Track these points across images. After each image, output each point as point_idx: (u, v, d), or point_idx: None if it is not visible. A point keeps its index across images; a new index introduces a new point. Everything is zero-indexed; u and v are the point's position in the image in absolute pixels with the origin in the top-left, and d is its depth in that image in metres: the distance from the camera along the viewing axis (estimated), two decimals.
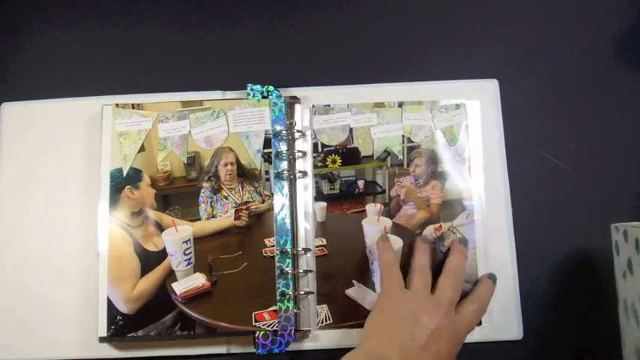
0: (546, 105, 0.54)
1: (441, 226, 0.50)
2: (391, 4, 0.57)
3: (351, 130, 0.52)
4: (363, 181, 0.52)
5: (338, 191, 0.52)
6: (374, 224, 0.50)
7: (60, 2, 0.57)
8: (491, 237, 0.51)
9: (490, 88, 0.54)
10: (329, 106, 0.52)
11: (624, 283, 0.44)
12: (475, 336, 0.48)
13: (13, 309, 0.50)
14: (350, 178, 0.52)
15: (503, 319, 0.49)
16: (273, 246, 0.49)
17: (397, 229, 0.50)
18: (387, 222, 0.50)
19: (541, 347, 0.50)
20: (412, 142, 0.52)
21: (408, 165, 0.52)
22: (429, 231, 0.50)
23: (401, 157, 0.52)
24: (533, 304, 0.50)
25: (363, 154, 0.52)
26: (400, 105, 0.52)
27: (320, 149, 0.52)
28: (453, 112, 0.52)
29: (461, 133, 0.51)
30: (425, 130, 0.52)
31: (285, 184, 0.50)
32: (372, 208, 0.51)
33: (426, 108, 0.52)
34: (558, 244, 0.51)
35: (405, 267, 0.47)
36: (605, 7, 0.56)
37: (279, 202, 0.50)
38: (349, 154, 0.52)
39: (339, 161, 0.52)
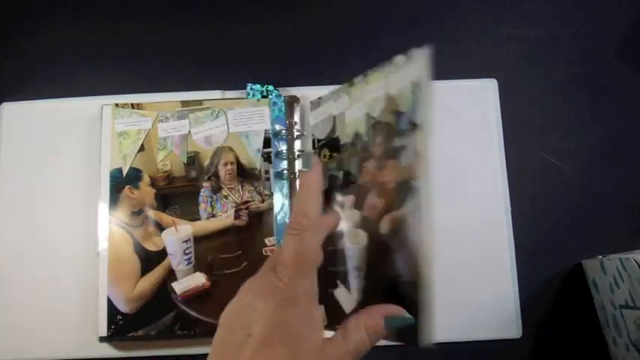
0: (546, 105, 0.54)
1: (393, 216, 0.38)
2: (391, 4, 0.57)
3: (334, 118, 0.46)
4: (342, 172, 0.45)
5: (327, 186, 0.45)
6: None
7: (60, 2, 0.57)
8: (490, 236, 0.51)
9: (490, 88, 0.54)
10: (321, 98, 0.47)
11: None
12: (474, 334, 0.49)
13: (13, 308, 0.50)
14: (333, 171, 0.46)
15: (502, 317, 0.50)
16: (273, 245, 0.49)
17: (363, 222, 0.41)
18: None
19: (540, 346, 0.50)
20: (373, 117, 0.42)
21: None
22: (385, 224, 0.38)
23: (366, 138, 0.42)
24: (532, 302, 0.50)
25: (342, 141, 0.45)
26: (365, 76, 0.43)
27: (315, 145, 0.50)
28: (404, 69, 0.41)
29: (413, 94, 0.39)
30: (380, 100, 0.41)
31: (285, 183, 0.50)
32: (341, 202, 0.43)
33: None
34: (557, 243, 0.51)
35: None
36: (605, 7, 0.56)
37: (279, 201, 0.50)
38: (331, 145, 0.46)
39: (328, 154, 0.50)
